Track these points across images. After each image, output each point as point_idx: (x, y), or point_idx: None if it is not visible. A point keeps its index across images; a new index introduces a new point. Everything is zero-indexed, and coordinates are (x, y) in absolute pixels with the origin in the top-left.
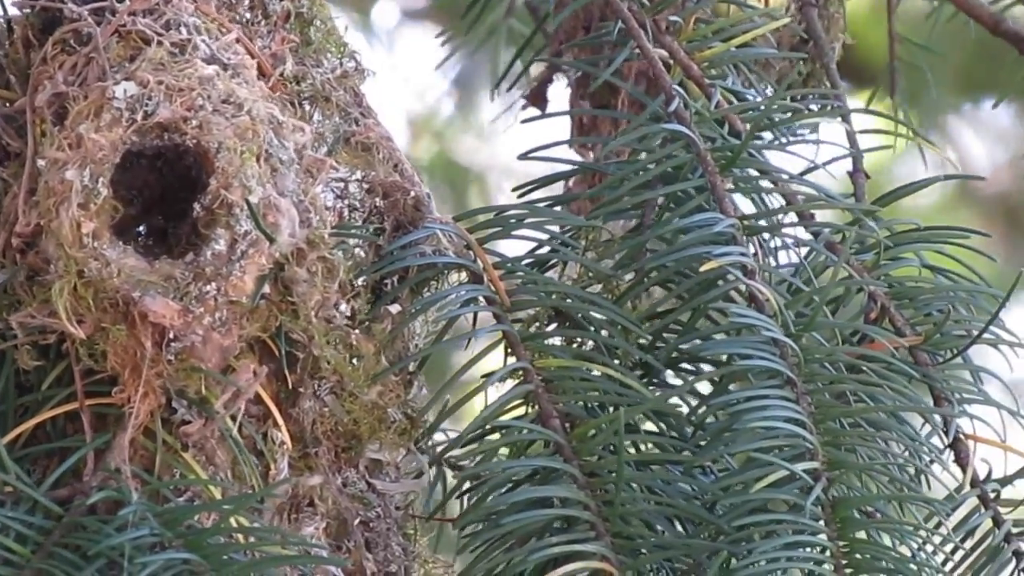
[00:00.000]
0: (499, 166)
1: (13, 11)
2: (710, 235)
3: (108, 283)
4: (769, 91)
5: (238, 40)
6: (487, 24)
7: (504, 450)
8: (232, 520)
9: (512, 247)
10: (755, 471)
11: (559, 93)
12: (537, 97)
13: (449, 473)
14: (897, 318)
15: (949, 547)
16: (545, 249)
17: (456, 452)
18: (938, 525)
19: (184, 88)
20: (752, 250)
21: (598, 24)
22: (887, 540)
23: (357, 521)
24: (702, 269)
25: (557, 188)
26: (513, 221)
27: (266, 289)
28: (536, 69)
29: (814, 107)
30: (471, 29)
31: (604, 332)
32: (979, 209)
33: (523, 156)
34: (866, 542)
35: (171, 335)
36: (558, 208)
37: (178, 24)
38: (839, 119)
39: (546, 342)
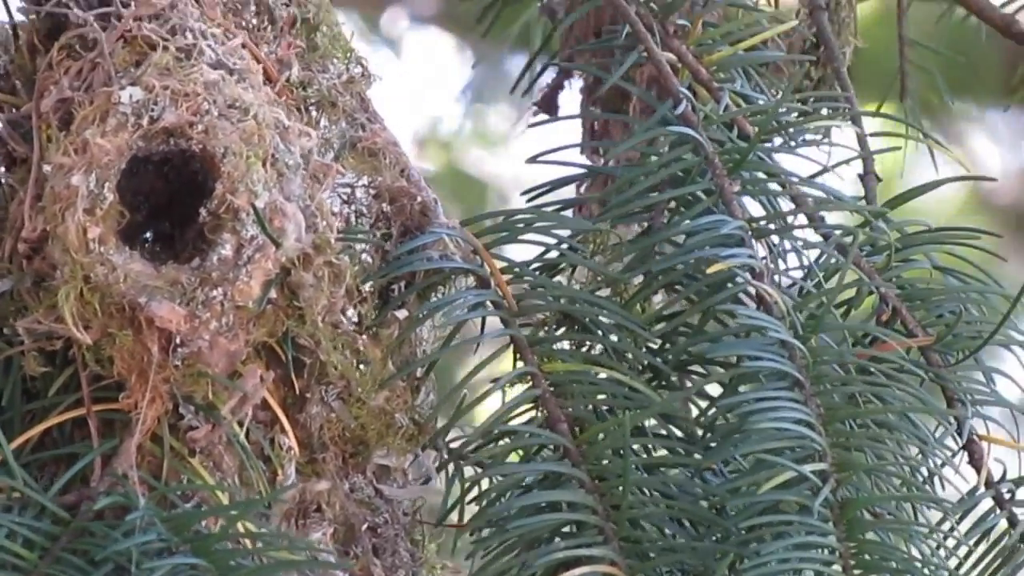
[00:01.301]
0: (508, 176)
1: (19, 16)
2: (718, 237)
3: (114, 288)
4: (779, 95)
5: (244, 45)
6: (518, 26)
7: (513, 455)
8: (239, 525)
9: (520, 252)
10: (764, 472)
11: (570, 99)
12: (548, 103)
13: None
14: (909, 319)
15: (962, 549)
16: (552, 253)
17: (465, 456)
18: (951, 528)
19: (189, 93)
20: (761, 253)
21: (607, 28)
22: (900, 542)
23: (365, 527)
24: (709, 271)
25: (566, 192)
26: (521, 226)
27: (273, 294)
28: (550, 75)
29: (824, 111)
30: (487, 33)
31: (612, 336)
32: (992, 216)
33: (531, 160)
34: (874, 543)
35: (178, 340)
36: (566, 212)
37: (184, 29)
38: (849, 122)
39: (554, 346)
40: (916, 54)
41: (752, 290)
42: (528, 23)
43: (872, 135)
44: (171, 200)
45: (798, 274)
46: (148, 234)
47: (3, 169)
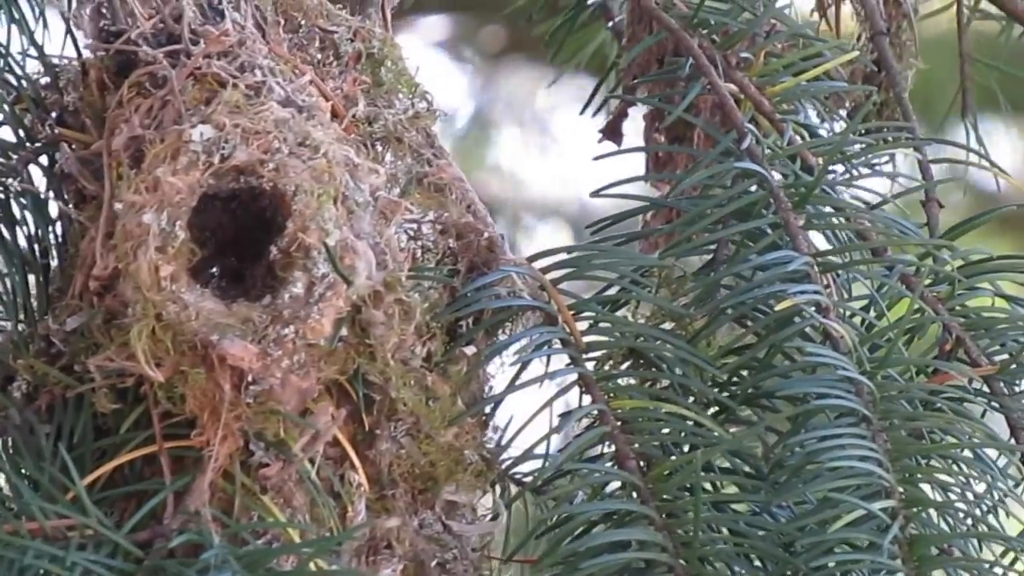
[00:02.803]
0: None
1: (87, 54)
2: (785, 273)
3: (186, 326)
4: (841, 124)
5: (311, 82)
6: (591, 49)
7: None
8: (311, 563)
9: (579, 285)
10: (832, 510)
11: (633, 125)
12: (613, 131)
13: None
14: (972, 348)
15: None
16: (615, 288)
17: (534, 492)
18: (1014, 561)
19: (260, 131)
20: (826, 285)
21: (670, 59)
22: None
23: (434, 563)
24: (777, 308)
25: (626, 225)
26: (587, 261)
27: (344, 332)
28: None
29: (887, 139)
30: (555, 58)
31: (678, 371)
32: None
33: (595, 193)
34: None
35: (250, 378)
36: (632, 245)
37: (252, 67)
38: (912, 150)
39: (620, 382)
40: (977, 71)
41: (819, 325)
42: (602, 45)
43: (933, 161)
44: (238, 236)
45: (860, 306)
46: (214, 270)
47: (73, 206)
